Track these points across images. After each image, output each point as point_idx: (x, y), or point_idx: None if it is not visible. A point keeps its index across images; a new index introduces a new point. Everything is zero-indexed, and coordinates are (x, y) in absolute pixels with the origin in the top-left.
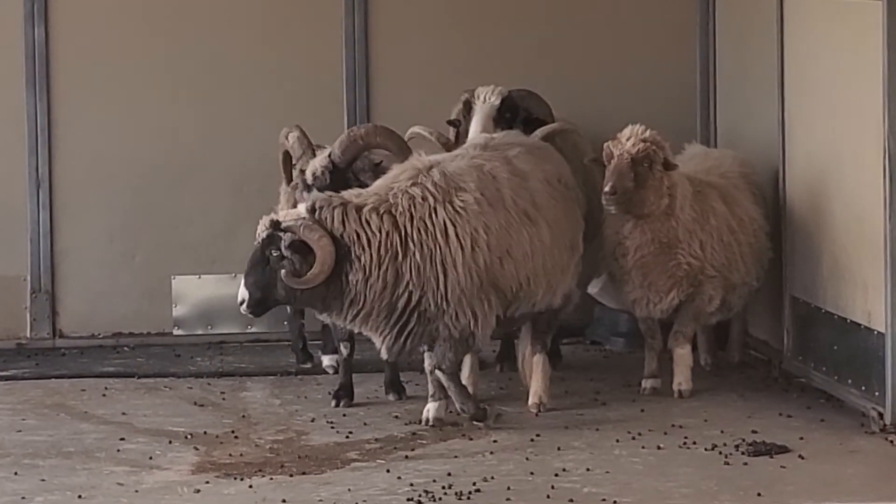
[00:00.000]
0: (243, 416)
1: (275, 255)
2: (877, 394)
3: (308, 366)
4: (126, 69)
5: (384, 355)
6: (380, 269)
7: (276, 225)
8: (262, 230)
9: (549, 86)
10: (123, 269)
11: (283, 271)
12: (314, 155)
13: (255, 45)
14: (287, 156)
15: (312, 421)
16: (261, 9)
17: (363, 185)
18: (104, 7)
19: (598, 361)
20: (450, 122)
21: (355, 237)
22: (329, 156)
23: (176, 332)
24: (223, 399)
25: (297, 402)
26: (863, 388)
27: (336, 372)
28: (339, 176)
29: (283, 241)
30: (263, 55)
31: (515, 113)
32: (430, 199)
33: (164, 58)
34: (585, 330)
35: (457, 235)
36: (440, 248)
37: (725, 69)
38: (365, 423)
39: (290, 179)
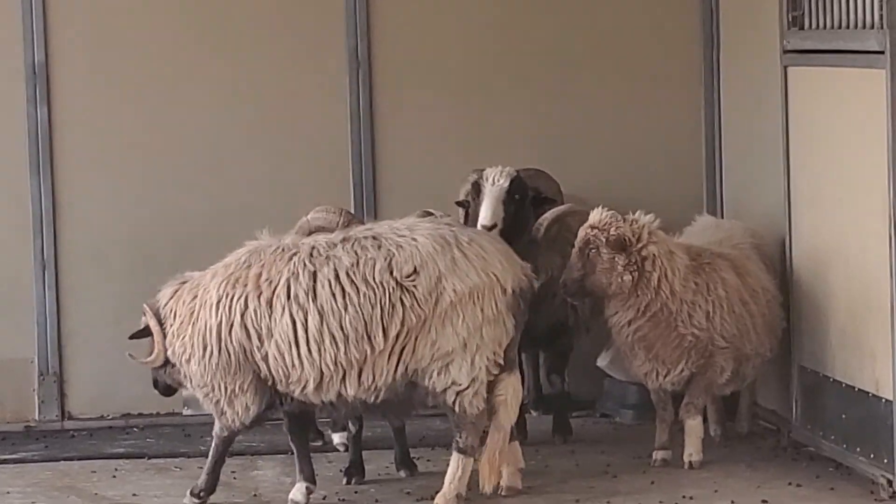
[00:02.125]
0: (255, 496)
1: None
2: (885, 461)
3: (318, 444)
4: (130, 148)
5: None
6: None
7: None
8: None
9: (555, 160)
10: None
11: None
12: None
13: (260, 124)
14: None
15: (324, 499)
16: (265, 86)
17: None
18: (106, 88)
19: (607, 434)
20: (458, 203)
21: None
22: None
23: (185, 412)
24: (234, 478)
25: None
26: (871, 455)
27: (346, 449)
28: None
29: None
30: (268, 134)
31: (525, 193)
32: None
33: (168, 136)
34: (595, 403)
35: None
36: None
37: (731, 140)
38: (377, 501)
39: None
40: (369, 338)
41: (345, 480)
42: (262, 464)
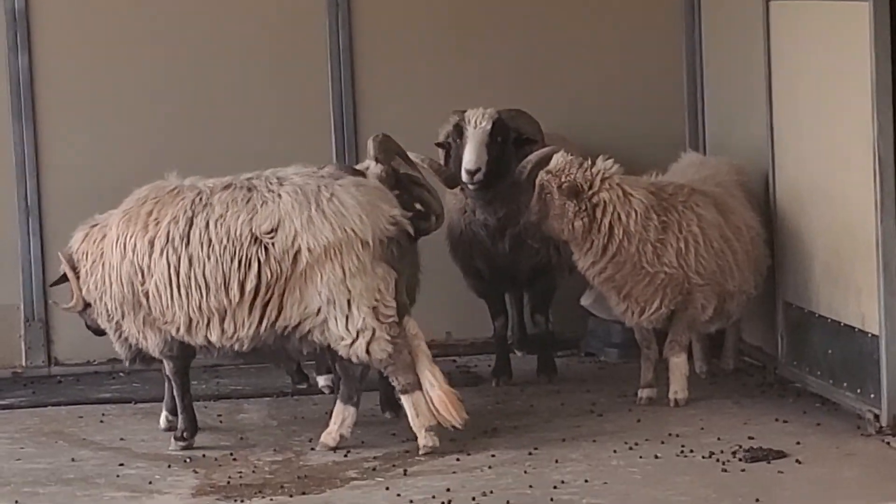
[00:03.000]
0: (241, 439)
1: None
2: (872, 396)
3: (304, 386)
4: (111, 93)
5: None
6: None
7: None
8: None
9: (536, 100)
10: None
11: None
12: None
13: (240, 67)
14: None
15: (310, 441)
16: (245, 29)
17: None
18: (88, 33)
19: (593, 373)
20: (439, 145)
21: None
22: (377, 161)
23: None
24: (220, 422)
25: (294, 422)
26: (858, 390)
27: (332, 392)
28: (398, 178)
29: None
30: (248, 77)
31: (507, 135)
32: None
33: (150, 81)
34: (580, 342)
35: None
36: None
37: (712, 76)
38: (363, 442)
39: None
40: (227, 289)
41: None
42: (247, 407)
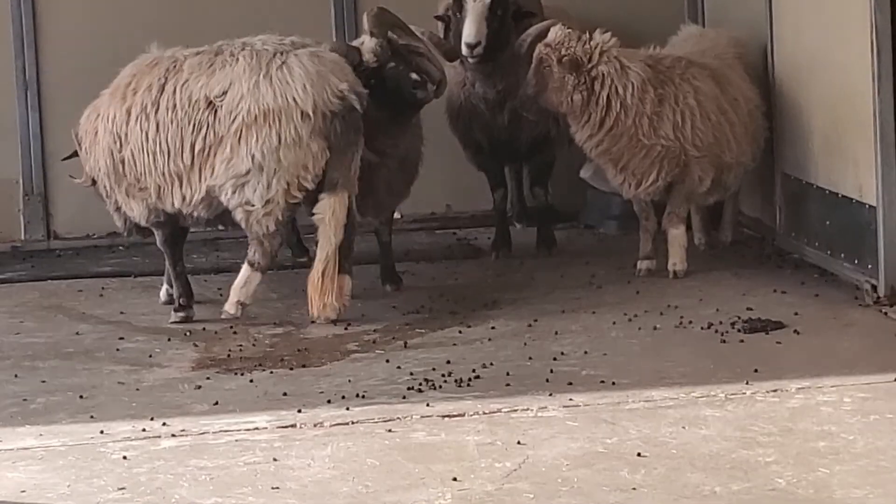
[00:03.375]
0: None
1: None
2: (869, 266)
3: (304, 259)
4: None
5: None
6: None
7: None
8: None
9: None
10: None
11: None
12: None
13: None
14: None
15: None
16: None
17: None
18: None
19: (592, 245)
20: (438, 18)
21: None
22: (371, 35)
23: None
24: (220, 295)
25: (294, 296)
26: (855, 261)
27: None
28: (395, 50)
29: None
30: None
31: (506, 7)
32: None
33: None
34: (578, 214)
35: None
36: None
37: None
38: (363, 315)
39: None
40: (181, 153)
41: None
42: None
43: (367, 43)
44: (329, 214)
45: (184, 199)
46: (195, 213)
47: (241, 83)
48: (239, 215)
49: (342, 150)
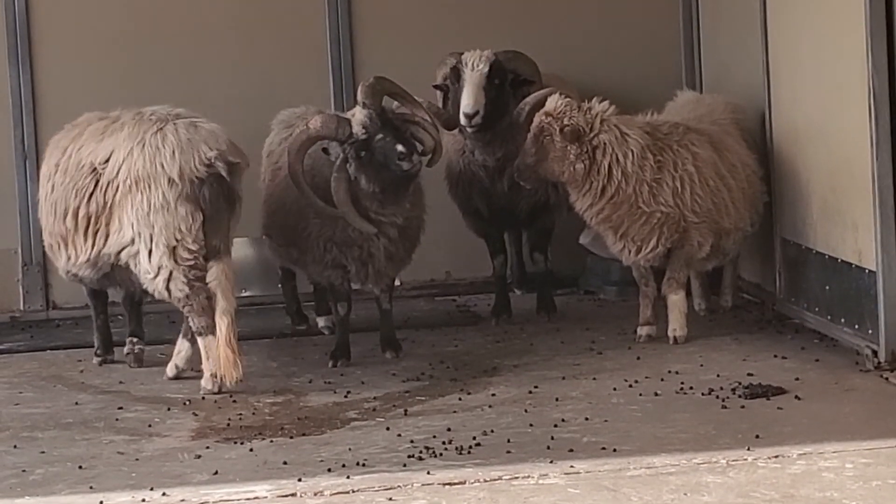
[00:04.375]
0: (241, 380)
1: None
2: (870, 332)
3: (303, 327)
4: (108, 37)
5: None
6: None
7: None
8: None
9: (533, 39)
10: None
11: None
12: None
13: (235, 5)
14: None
15: (310, 382)
16: None
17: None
18: None
19: (592, 311)
20: (437, 87)
21: None
22: (363, 106)
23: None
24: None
25: (293, 363)
26: (856, 326)
27: (332, 332)
28: (386, 121)
29: None
30: (246, 19)
31: (504, 77)
32: None
33: (147, 24)
34: (578, 280)
35: None
36: None
37: (708, 14)
38: (363, 382)
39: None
40: (65, 216)
41: (331, 363)
42: (247, 348)
43: (357, 115)
44: (222, 279)
45: (69, 259)
46: (79, 272)
47: (120, 150)
48: (149, 288)
49: (214, 217)
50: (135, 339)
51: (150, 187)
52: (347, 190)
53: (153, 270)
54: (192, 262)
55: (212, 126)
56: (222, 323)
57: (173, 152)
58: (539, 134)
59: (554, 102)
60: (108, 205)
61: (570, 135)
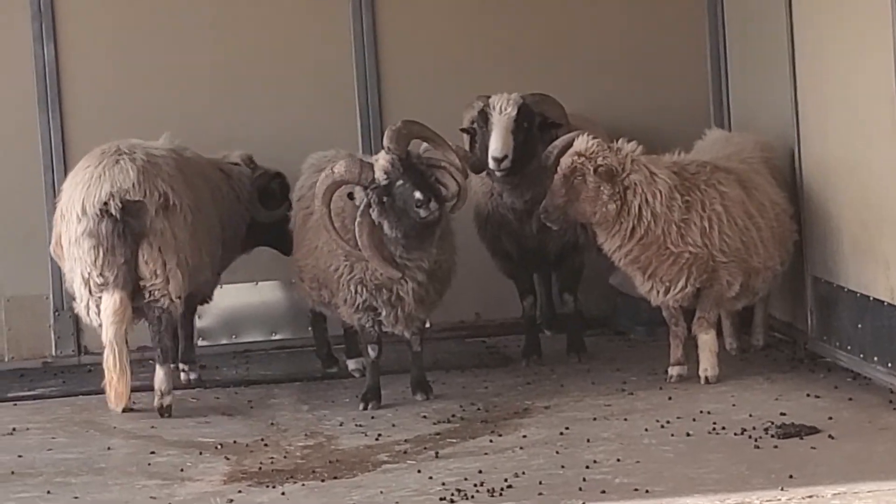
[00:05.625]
0: (272, 424)
1: None
2: None
3: (334, 370)
4: (137, 83)
5: None
6: None
7: None
8: None
9: (560, 81)
10: None
11: None
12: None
13: (265, 50)
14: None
15: (341, 425)
16: (268, 13)
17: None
18: (112, 24)
19: (622, 351)
20: (464, 131)
21: None
22: (388, 151)
23: (200, 342)
24: (251, 407)
25: (324, 406)
26: (889, 364)
27: (362, 375)
28: (409, 166)
29: None
30: (272, 63)
31: (532, 120)
32: None
33: (175, 70)
34: (608, 320)
35: None
36: None
37: (736, 52)
38: (393, 425)
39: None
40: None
41: (361, 406)
42: (278, 392)
43: (380, 160)
44: (103, 313)
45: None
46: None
47: (66, 182)
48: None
49: (110, 252)
50: (181, 365)
51: (68, 221)
52: (370, 234)
53: (78, 299)
54: (100, 294)
55: (138, 161)
56: (111, 355)
57: (82, 188)
58: (571, 174)
59: (584, 143)
60: (60, 234)
61: (604, 175)
